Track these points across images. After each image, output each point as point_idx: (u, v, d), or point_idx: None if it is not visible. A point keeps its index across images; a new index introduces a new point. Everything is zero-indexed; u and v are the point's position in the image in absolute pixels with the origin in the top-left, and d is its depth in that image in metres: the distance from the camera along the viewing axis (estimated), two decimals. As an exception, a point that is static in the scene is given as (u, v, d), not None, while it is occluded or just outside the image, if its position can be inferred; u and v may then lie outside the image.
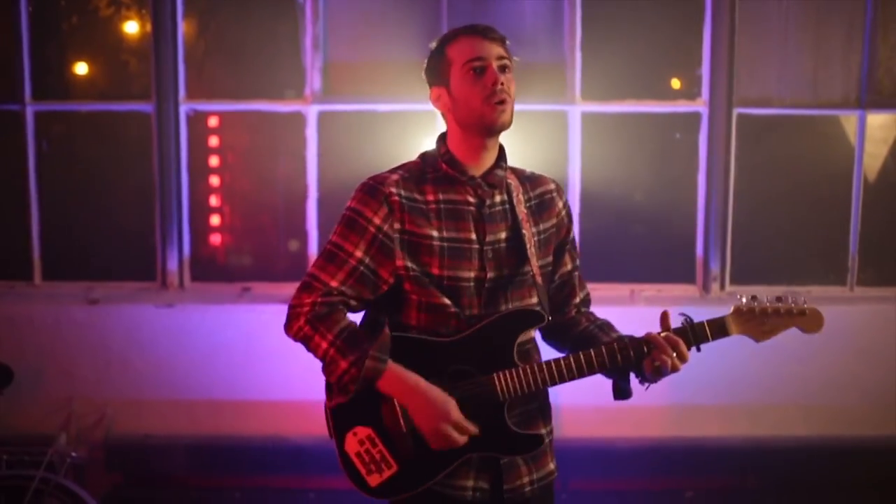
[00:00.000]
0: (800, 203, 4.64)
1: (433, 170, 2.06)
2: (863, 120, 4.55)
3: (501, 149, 2.12)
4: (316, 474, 4.07)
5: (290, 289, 2.12)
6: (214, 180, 4.64)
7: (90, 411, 4.31)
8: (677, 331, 2.00)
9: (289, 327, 2.04)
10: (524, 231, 2.06)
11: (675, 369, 1.97)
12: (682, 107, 4.58)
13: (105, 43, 4.69)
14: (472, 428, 1.96)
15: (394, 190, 2.02)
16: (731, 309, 2.02)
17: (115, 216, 4.69)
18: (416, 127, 4.27)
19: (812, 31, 4.62)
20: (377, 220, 2.00)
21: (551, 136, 4.50)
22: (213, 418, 4.28)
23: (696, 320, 2.02)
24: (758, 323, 2.02)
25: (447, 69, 2.03)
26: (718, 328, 2.01)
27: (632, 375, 2.05)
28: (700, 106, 4.53)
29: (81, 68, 4.74)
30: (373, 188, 2.03)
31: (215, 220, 4.65)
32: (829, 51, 4.63)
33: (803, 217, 4.65)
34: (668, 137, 4.65)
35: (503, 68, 2.01)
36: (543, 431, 2.10)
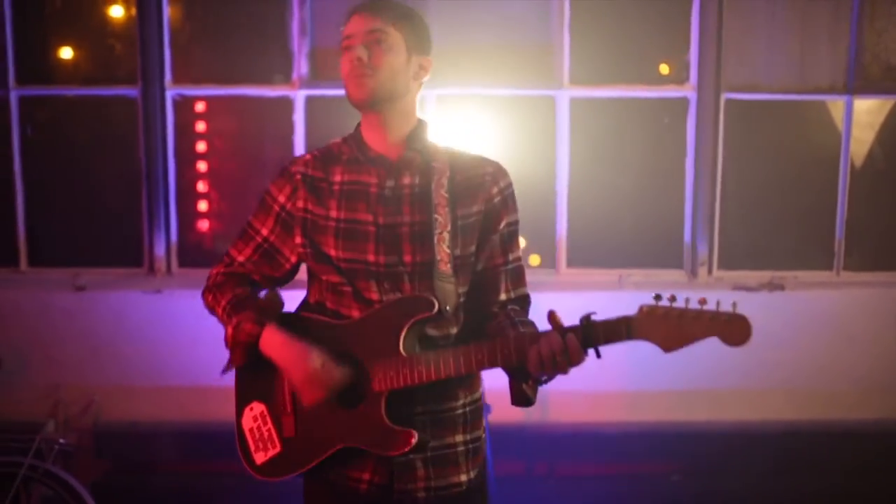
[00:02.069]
0: (787, 188, 4.66)
1: (348, 150, 2.02)
2: (850, 105, 4.56)
3: (417, 127, 2.01)
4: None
5: (278, 275, 2.13)
6: (201, 165, 4.62)
7: (78, 398, 4.30)
8: (569, 329, 1.79)
9: (202, 296, 2.12)
10: (437, 216, 1.92)
11: (562, 371, 1.77)
12: (670, 92, 4.58)
13: (90, 27, 4.65)
14: (340, 374, 1.88)
15: (301, 169, 2.02)
16: (637, 309, 1.74)
17: (102, 202, 4.66)
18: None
19: (799, 16, 4.62)
20: (281, 199, 2.03)
21: (539, 120, 4.49)
22: (202, 404, 4.27)
23: (597, 319, 1.80)
24: (669, 328, 1.71)
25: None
26: (614, 330, 1.76)
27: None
28: (688, 91, 4.53)
29: (66, 52, 4.69)
30: (284, 168, 2.05)
31: (202, 205, 4.63)
32: (816, 36, 4.63)
33: (790, 202, 4.66)
34: (656, 122, 4.65)
35: (373, 42, 1.91)
36: (437, 442, 1.94)
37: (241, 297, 2.02)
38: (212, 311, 2.08)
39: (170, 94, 4.51)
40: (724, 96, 4.51)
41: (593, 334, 1.78)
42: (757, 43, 4.64)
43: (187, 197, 4.60)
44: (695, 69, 4.51)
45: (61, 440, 3.54)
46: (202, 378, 4.28)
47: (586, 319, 1.80)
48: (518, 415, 4.21)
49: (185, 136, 4.57)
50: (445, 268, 1.92)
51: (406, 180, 1.98)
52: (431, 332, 1.93)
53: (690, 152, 4.55)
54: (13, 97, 4.52)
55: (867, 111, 4.67)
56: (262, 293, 2.05)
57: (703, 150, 4.52)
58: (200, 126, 4.60)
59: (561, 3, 4.45)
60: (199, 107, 4.59)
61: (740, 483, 4.18)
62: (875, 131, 4.69)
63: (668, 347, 1.74)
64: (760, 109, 4.60)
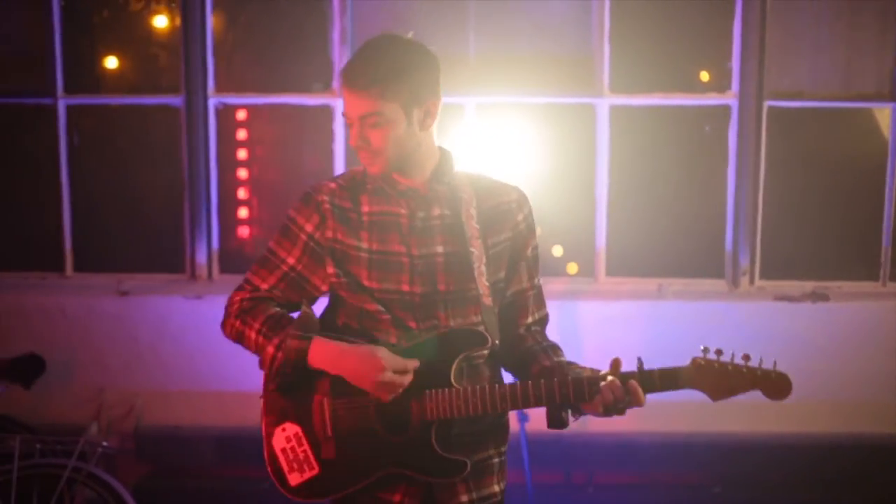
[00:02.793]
0: (831, 196, 4.58)
1: (372, 180, 1.99)
2: (896, 112, 4.49)
3: (442, 160, 2.01)
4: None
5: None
6: (242, 173, 4.67)
7: (120, 401, 4.36)
8: (628, 375, 1.87)
9: (223, 326, 2.07)
10: (472, 248, 1.95)
11: (620, 413, 1.88)
12: (711, 99, 4.54)
13: (135, 37, 4.74)
14: (411, 363, 1.89)
15: (326, 198, 1.99)
16: (690, 361, 1.88)
17: (145, 209, 4.74)
18: (440, 119, 4.27)
19: (844, 23, 4.56)
20: (309, 228, 2.00)
21: (579, 129, 4.47)
22: (242, 409, 4.29)
23: (646, 367, 1.89)
24: (716, 379, 1.87)
25: None
26: (670, 379, 1.88)
27: None
28: (730, 98, 4.48)
29: (112, 62, 4.78)
30: (307, 196, 2.01)
31: (243, 212, 4.68)
32: (861, 42, 4.56)
33: (834, 211, 4.59)
34: (697, 130, 4.61)
35: (370, 125, 1.90)
36: (476, 457, 1.97)
37: (276, 317, 2.00)
38: (239, 336, 2.03)
39: (212, 102, 4.57)
40: (767, 104, 4.46)
41: (651, 381, 1.89)
42: (800, 50, 4.59)
43: (228, 204, 4.65)
44: (737, 77, 4.46)
45: (104, 443, 3.58)
46: (242, 383, 4.31)
47: (641, 366, 1.90)
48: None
49: (227, 143, 4.63)
50: (488, 301, 1.97)
51: (436, 212, 1.99)
52: (463, 358, 1.95)
53: (732, 160, 4.50)
54: (61, 106, 4.61)
55: (914, 118, 4.58)
56: (295, 313, 2.03)
57: (744, 159, 4.47)
58: (242, 134, 4.65)
59: (601, 11, 4.44)
60: (241, 115, 4.65)
61: (782, 496, 4.13)
62: (922, 139, 4.60)
63: (716, 398, 1.89)
64: (804, 117, 4.54)
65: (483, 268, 1.97)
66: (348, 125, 1.94)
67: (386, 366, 1.87)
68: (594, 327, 4.08)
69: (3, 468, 3.38)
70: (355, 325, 1.99)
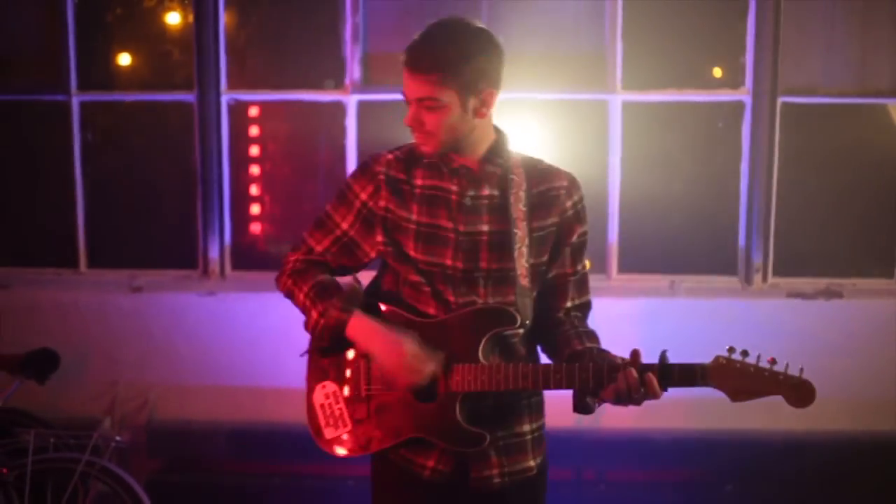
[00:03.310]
0: (845, 193, 4.55)
1: (428, 154, 2.06)
2: (911, 108, 4.46)
3: (498, 140, 2.07)
4: (355, 462, 4.10)
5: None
6: (255, 169, 4.68)
7: (133, 396, 4.39)
8: (647, 367, 1.89)
9: (277, 281, 2.18)
10: (516, 229, 2.01)
11: (636, 403, 1.89)
12: (724, 96, 4.51)
13: (148, 34, 4.75)
14: (435, 356, 1.97)
15: (383, 169, 2.08)
16: (712, 359, 1.87)
17: (158, 205, 4.76)
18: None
19: (859, 18, 4.52)
20: (364, 196, 2.09)
21: (592, 125, 4.46)
22: (255, 405, 4.33)
23: (670, 360, 1.90)
24: (737, 381, 1.86)
25: None
26: (689, 375, 1.88)
27: None
28: (743, 95, 4.46)
29: (125, 59, 4.80)
30: (365, 165, 2.12)
31: (256, 209, 4.69)
32: (876, 38, 4.53)
33: (848, 208, 4.56)
34: (710, 127, 4.58)
35: (426, 108, 1.96)
36: (506, 432, 2.06)
37: (324, 284, 2.09)
38: (290, 294, 2.14)
39: (225, 99, 4.58)
40: (781, 100, 4.44)
41: (669, 375, 1.89)
42: (815, 46, 4.56)
43: (241, 200, 4.67)
44: (750, 73, 4.44)
45: (117, 437, 3.60)
46: (254, 378, 4.35)
47: (663, 359, 1.90)
48: (569, 420, 4.18)
49: (240, 140, 4.64)
50: (525, 281, 2.02)
51: (486, 191, 2.05)
52: (493, 336, 2.01)
53: (745, 157, 4.48)
54: (75, 103, 4.63)
55: (929, 115, 4.55)
56: (344, 281, 2.13)
57: (758, 155, 4.45)
58: (254, 130, 4.66)
59: (614, 7, 4.42)
60: (253, 111, 4.66)
61: (794, 493, 4.11)
62: (938, 135, 4.57)
63: (736, 399, 1.89)
64: (818, 113, 4.51)
65: (524, 249, 2.02)
66: (406, 103, 2.00)
67: (409, 357, 1.96)
68: (606, 324, 4.05)
69: (17, 462, 3.41)
70: (398, 292, 2.08)
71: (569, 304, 2.14)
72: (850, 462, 4.12)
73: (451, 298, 2.03)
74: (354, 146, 4.53)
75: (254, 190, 4.69)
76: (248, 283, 4.55)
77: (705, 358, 1.91)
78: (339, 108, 4.55)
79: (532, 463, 2.12)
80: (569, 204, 2.09)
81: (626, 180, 4.49)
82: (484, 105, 2.00)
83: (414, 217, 2.05)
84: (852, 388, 4.21)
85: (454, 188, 2.04)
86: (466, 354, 1.98)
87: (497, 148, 2.06)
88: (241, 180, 4.66)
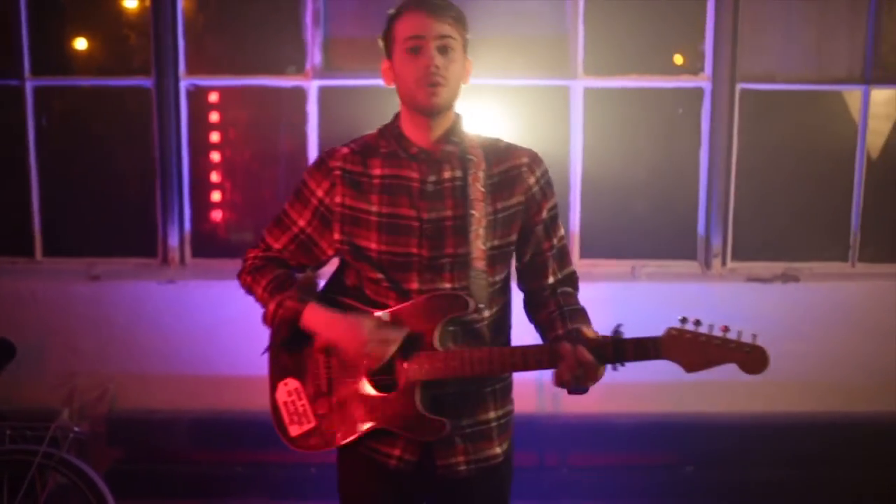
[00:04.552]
0: (802, 179, 4.62)
1: (386, 143, 2.05)
2: (867, 95, 4.52)
3: (455, 121, 2.05)
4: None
5: (292, 264, 2.15)
6: (215, 156, 4.63)
7: (93, 387, 4.33)
8: (596, 343, 1.88)
9: (238, 277, 2.19)
10: (473, 211, 1.98)
11: (582, 382, 1.87)
12: (685, 82, 4.55)
13: (104, 17, 4.66)
14: (396, 333, 1.96)
15: (339, 164, 2.05)
16: (664, 331, 1.85)
17: (116, 192, 4.68)
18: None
19: (816, 6, 4.58)
20: (319, 193, 2.07)
21: (553, 111, 4.47)
22: (216, 393, 4.29)
23: (625, 336, 1.88)
24: (690, 350, 1.82)
25: (392, 44, 2.01)
26: (642, 348, 1.86)
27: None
28: (703, 81, 4.50)
29: (81, 43, 4.71)
30: (321, 161, 2.09)
31: (216, 196, 4.64)
32: (833, 25, 4.59)
33: (805, 193, 4.63)
34: (670, 113, 4.62)
35: (444, 49, 1.94)
36: (469, 419, 2.05)
37: (281, 278, 2.09)
38: (249, 290, 2.15)
39: (184, 84, 4.52)
40: (739, 86, 4.48)
41: (623, 350, 1.87)
42: (773, 33, 4.61)
43: (201, 187, 4.61)
44: (710, 59, 4.47)
45: (76, 428, 3.56)
46: (215, 367, 4.32)
47: (616, 334, 1.89)
48: (530, 404, 4.21)
49: (199, 126, 4.58)
50: (480, 264, 2.00)
51: (447, 174, 2.02)
52: (449, 322, 1.99)
53: (705, 143, 4.53)
54: (28, 88, 4.54)
55: (884, 102, 4.63)
56: (300, 275, 2.13)
57: (717, 141, 4.49)
58: (214, 116, 4.61)
59: (575, -8, 4.43)
60: (213, 97, 4.60)
61: (754, 475, 4.17)
62: (892, 122, 4.65)
63: (690, 369, 1.85)
64: (776, 100, 4.57)
65: (481, 231, 1.99)
66: (415, 49, 1.94)
67: (369, 338, 1.95)
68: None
69: (-28, 455, 3.35)
70: (359, 287, 2.07)
71: (551, 279, 2.13)
72: (809, 442, 4.19)
73: (416, 286, 2.00)
74: (316, 132, 4.50)
75: (214, 177, 4.64)
76: (208, 271, 4.50)
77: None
78: (300, 94, 4.51)
79: (498, 450, 2.12)
80: (532, 181, 2.06)
81: (588, 166, 4.51)
82: (467, 72, 2.03)
83: (374, 208, 2.01)
84: (810, 369, 4.29)
85: (415, 175, 2.02)
86: (422, 343, 1.97)
87: (455, 127, 2.05)
88: (200, 167, 4.61)
